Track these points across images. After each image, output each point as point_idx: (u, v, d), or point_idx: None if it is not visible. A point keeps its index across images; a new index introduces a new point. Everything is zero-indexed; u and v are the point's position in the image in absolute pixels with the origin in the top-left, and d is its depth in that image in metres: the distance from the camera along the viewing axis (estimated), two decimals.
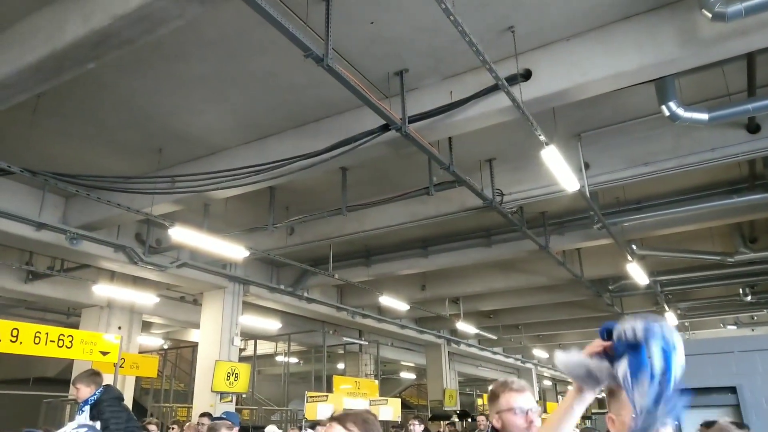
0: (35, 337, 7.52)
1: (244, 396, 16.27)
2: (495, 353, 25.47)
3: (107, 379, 8.87)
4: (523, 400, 2.20)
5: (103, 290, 11.94)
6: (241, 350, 15.33)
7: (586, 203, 8.17)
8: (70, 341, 7.99)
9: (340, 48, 5.87)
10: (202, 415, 7.96)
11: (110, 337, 8.85)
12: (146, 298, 12.45)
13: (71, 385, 4.62)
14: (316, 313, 15.44)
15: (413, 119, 6.28)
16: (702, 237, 11.95)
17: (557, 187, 7.83)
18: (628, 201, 9.96)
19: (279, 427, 10.37)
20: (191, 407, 11.71)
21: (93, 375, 4.70)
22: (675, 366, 1.38)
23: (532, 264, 13.50)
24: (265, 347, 20.80)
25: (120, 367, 9.04)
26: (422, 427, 8.83)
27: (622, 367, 1.42)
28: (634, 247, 11.18)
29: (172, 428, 9.73)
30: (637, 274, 11.37)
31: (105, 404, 4.52)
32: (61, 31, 4.94)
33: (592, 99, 6.34)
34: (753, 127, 7.39)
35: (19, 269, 11.28)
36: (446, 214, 9.43)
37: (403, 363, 24.76)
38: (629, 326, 1.43)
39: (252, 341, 18.69)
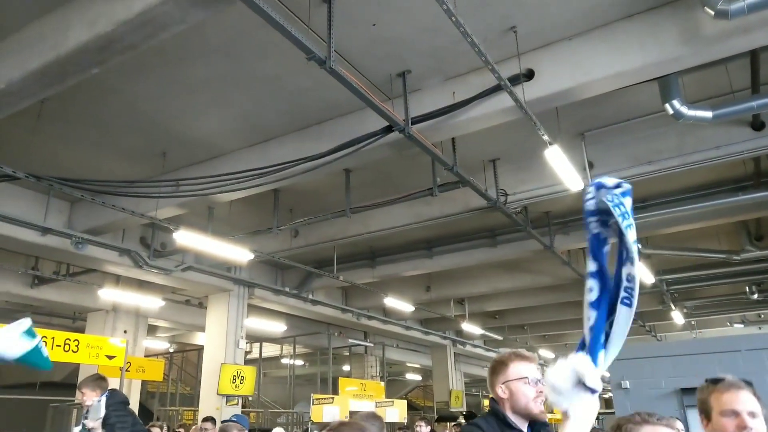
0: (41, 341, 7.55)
1: (250, 399, 16.28)
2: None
3: (113, 383, 8.91)
4: (534, 369, 2.10)
5: (108, 294, 11.98)
6: (246, 353, 15.34)
7: None
8: (77, 345, 8.04)
9: (342, 50, 5.88)
10: (205, 419, 7.97)
11: (116, 341, 8.89)
12: (151, 302, 12.49)
13: (77, 389, 4.63)
14: (321, 315, 15.45)
15: (416, 120, 6.28)
16: (707, 235, 11.91)
17: (561, 187, 7.82)
18: (632, 200, 9.92)
19: (285, 430, 10.37)
20: (197, 410, 11.73)
21: (98, 380, 4.71)
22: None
23: (537, 264, 13.48)
24: (270, 350, 20.81)
25: (126, 370, 9.09)
26: (429, 428, 8.83)
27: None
28: (639, 245, 11.11)
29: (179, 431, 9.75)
30: (643, 273, 11.34)
31: (110, 409, 4.52)
32: (65, 37, 4.97)
33: (595, 98, 6.32)
34: (757, 125, 7.36)
35: (25, 274, 11.33)
36: (450, 214, 9.42)
37: (408, 364, 24.74)
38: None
39: (257, 344, 18.71)
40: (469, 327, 17.16)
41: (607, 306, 1.47)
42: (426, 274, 14.40)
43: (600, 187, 1.47)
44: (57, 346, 7.75)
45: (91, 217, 9.38)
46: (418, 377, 28.04)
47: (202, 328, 13.25)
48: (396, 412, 13.05)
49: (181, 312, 15.18)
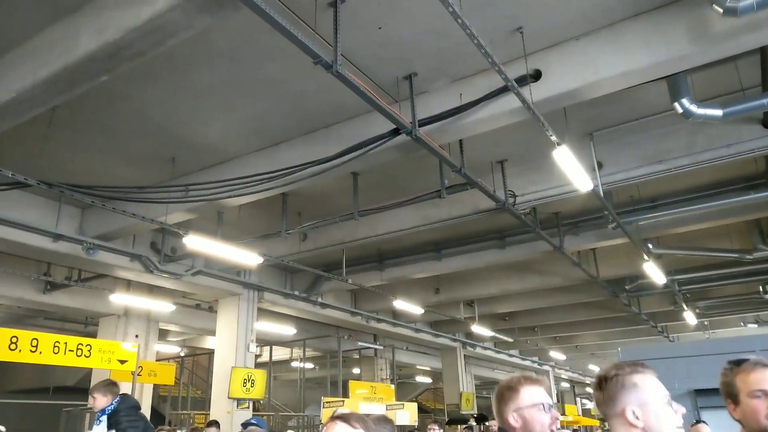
0: (54, 346, 7.61)
1: (261, 402, 16.31)
2: (511, 356, 25.32)
3: (125, 387, 8.96)
4: (546, 394, 1.97)
5: (120, 299, 12.06)
6: (256, 356, 15.37)
7: (600, 203, 8.10)
8: (89, 350, 8.07)
9: (348, 54, 5.89)
10: (210, 424, 8.01)
11: (128, 345, 8.92)
12: (162, 306, 12.56)
13: (89, 394, 4.66)
14: (330, 318, 15.46)
15: (423, 123, 6.28)
16: (719, 234, 11.80)
17: (570, 188, 7.78)
18: (642, 199, 9.87)
19: None
20: (209, 414, 11.76)
21: (110, 385, 4.74)
22: None
23: (546, 265, 13.42)
24: (280, 353, 20.84)
25: (138, 375, 9.12)
26: (441, 431, 8.81)
27: None
28: (650, 245, 11.07)
29: None
30: (654, 273, 11.25)
31: (122, 414, 4.55)
32: (75, 46, 5.01)
33: (603, 98, 6.29)
34: None
35: (38, 280, 11.43)
36: (459, 216, 9.41)
37: (418, 367, 24.70)
38: None
39: (267, 347, 18.75)
40: (479, 329, 17.10)
41: None
42: (435, 277, 14.38)
43: None
44: (69, 351, 7.79)
45: (101, 223, 9.45)
46: (428, 380, 27.98)
47: (213, 332, 13.29)
48: (406, 414, 13.02)
49: (192, 316, 15.25)
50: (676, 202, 9.48)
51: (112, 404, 4.63)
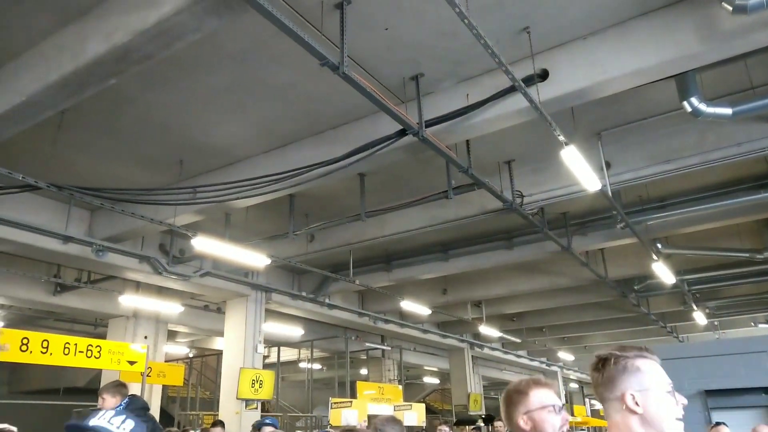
0: (65, 348, 7.67)
1: (270, 403, 16.35)
2: (519, 356, 25.24)
3: (135, 388, 9.00)
4: (555, 396, 1.96)
5: (129, 301, 12.13)
6: (264, 357, 15.41)
7: (609, 203, 8.07)
8: (99, 351, 8.13)
9: (355, 55, 5.90)
10: (215, 423, 8.04)
11: (137, 346, 8.98)
12: (171, 308, 12.61)
13: (98, 395, 4.69)
14: (338, 320, 15.47)
15: (430, 123, 6.27)
16: (729, 234, 11.71)
17: (578, 187, 7.75)
18: (651, 199, 9.81)
19: None
20: (217, 414, 11.80)
21: (119, 386, 4.76)
22: None
23: (554, 265, 13.37)
24: (288, 354, 20.88)
25: (147, 376, 9.17)
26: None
27: None
28: (659, 245, 11.00)
29: None
30: (663, 273, 11.18)
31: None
32: (83, 49, 5.05)
33: (611, 97, 6.26)
34: None
35: (48, 282, 11.51)
36: (466, 217, 9.39)
37: (426, 368, 24.67)
38: None
39: (275, 348, 18.79)
40: (487, 330, 17.06)
41: None
42: (442, 277, 14.36)
43: None
44: (80, 352, 7.85)
45: (110, 225, 9.51)
46: (436, 380, 27.94)
47: (221, 333, 13.34)
48: (414, 415, 13.02)
49: (200, 317, 15.31)
50: (686, 201, 9.42)
51: (120, 405, 4.65)
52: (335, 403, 11.73)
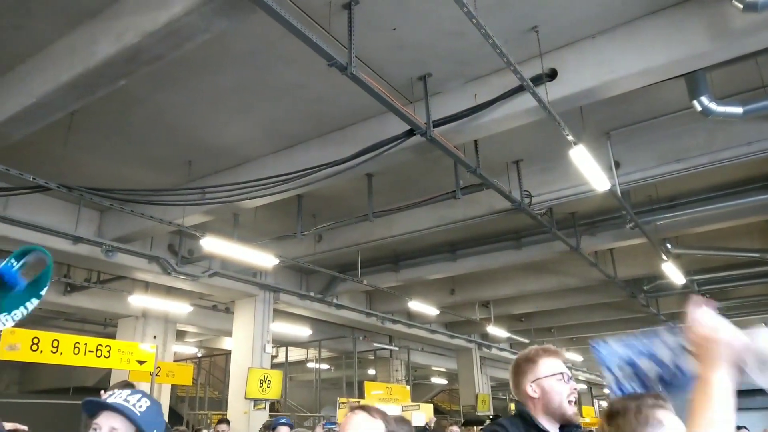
0: (74, 347, 7.73)
1: (279, 402, 16.39)
2: None
3: (144, 387, 9.05)
4: (564, 366, 1.93)
5: (138, 301, 12.19)
6: (273, 357, 15.44)
7: (618, 202, 8.03)
8: (108, 351, 8.19)
9: (363, 55, 5.89)
10: (220, 421, 8.13)
11: (146, 346, 9.03)
12: (180, 308, 12.67)
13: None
14: (345, 320, 15.48)
15: (438, 123, 6.27)
16: (740, 234, 11.62)
17: (587, 187, 7.72)
18: (660, 199, 9.75)
19: None
20: (226, 414, 11.84)
21: (126, 386, 4.79)
22: None
23: (563, 266, 13.31)
24: (296, 354, 20.90)
25: (156, 375, 9.21)
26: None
27: None
28: (668, 245, 10.93)
29: None
30: (673, 273, 11.11)
31: None
32: (94, 50, 5.08)
33: (620, 96, 6.23)
34: None
35: (58, 282, 11.58)
36: (474, 217, 9.37)
37: (434, 368, 24.63)
38: None
39: (283, 348, 18.83)
40: (495, 330, 17.02)
41: None
42: (450, 277, 14.34)
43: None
44: (89, 351, 7.91)
45: (120, 226, 9.57)
46: (443, 381, 27.90)
47: (230, 333, 13.39)
48: (422, 416, 12.99)
49: (209, 317, 15.37)
50: (695, 201, 9.35)
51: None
52: (343, 403, 11.74)
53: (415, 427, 12.77)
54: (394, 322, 16.36)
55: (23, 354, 7.19)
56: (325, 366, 23.17)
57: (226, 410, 12.63)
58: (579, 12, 5.64)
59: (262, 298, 12.46)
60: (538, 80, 5.84)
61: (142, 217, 8.28)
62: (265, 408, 11.88)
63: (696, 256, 12.18)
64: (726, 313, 17.59)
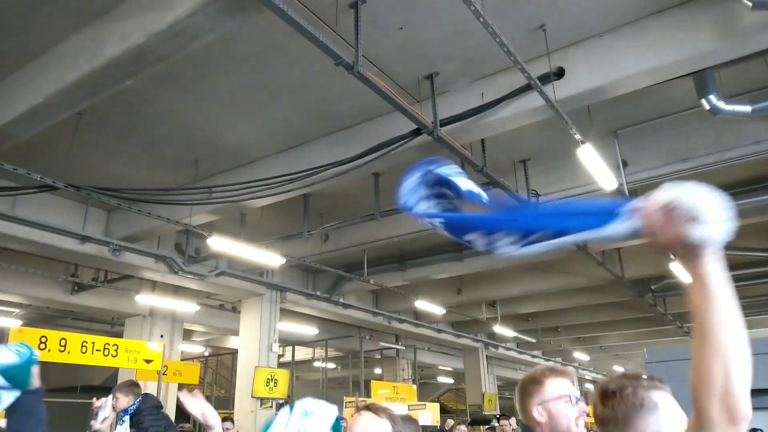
0: (82, 346, 7.77)
1: (283, 402, 16.40)
2: (534, 356, 25.09)
3: (151, 386, 9.09)
4: (572, 386, 1.84)
5: (145, 300, 12.24)
6: (279, 356, 15.47)
7: None
8: (115, 350, 8.23)
9: (370, 54, 5.89)
10: (225, 419, 8.17)
11: (153, 345, 9.07)
12: (187, 307, 12.71)
13: (111, 394, 4.74)
14: (352, 319, 15.49)
15: (445, 122, 6.25)
16: (748, 233, 11.54)
17: (595, 187, 7.68)
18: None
19: None
20: (232, 413, 11.88)
21: (132, 386, 4.82)
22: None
23: (570, 265, 13.26)
24: (302, 353, 20.94)
25: (163, 374, 9.25)
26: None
27: None
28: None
29: None
30: (681, 272, 11.04)
31: (144, 413, 4.61)
32: (100, 51, 5.10)
33: (628, 95, 6.19)
34: None
35: (65, 281, 11.65)
36: None
37: (440, 367, 24.62)
38: None
39: (290, 347, 18.86)
40: (502, 330, 16.99)
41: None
42: (457, 277, 14.31)
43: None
44: (97, 350, 7.95)
45: (127, 225, 9.60)
46: (450, 380, 27.87)
47: (236, 332, 13.42)
48: (429, 415, 12.99)
49: (216, 316, 15.41)
50: None
51: (134, 404, 4.69)
52: (349, 402, 11.75)
53: (434, 428, 12.79)
54: (401, 321, 16.35)
55: None
56: (331, 365, 23.20)
57: (232, 409, 12.67)
58: (586, 11, 5.62)
59: (268, 298, 12.48)
60: (545, 79, 5.81)
61: (149, 216, 8.30)
62: (272, 407, 11.89)
63: None
64: None
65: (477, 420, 17.43)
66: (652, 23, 5.63)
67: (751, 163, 7.77)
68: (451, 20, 5.59)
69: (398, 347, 19.28)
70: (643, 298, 14.21)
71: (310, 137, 7.85)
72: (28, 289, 11.57)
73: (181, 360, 14.39)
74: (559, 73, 6.00)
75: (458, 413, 25.31)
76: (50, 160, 7.94)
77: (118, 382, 9.94)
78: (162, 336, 13.12)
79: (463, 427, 8.84)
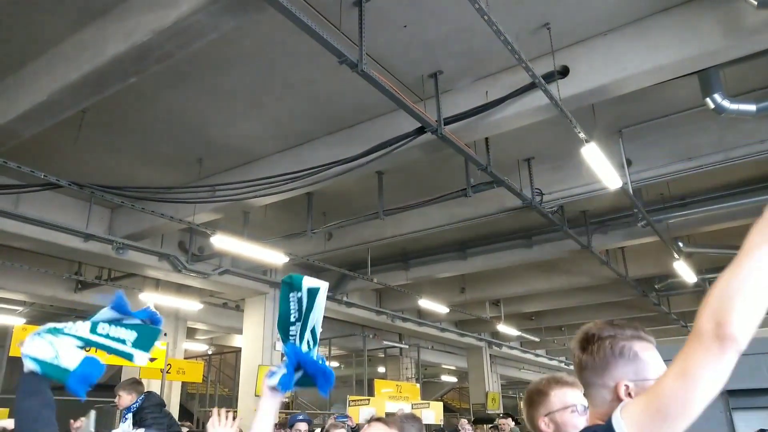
0: None
1: (285, 400, 16.42)
2: (538, 355, 25.07)
3: (155, 384, 9.10)
4: (579, 395, 1.77)
5: (149, 298, 12.24)
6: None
7: (629, 201, 7.96)
8: None
9: (373, 53, 5.88)
10: None
11: (157, 343, 9.07)
12: (190, 305, 12.73)
13: (115, 392, 4.76)
14: (355, 318, 15.49)
15: (449, 121, 6.24)
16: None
17: (599, 185, 7.65)
18: (672, 197, 9.66)
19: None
20: (236, 411, 11.90)
21: (134, 383, 4.82)
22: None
23: (574, 264, 13.23)
24: None
25: (167, 372, 9.27)
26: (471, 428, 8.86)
27: None
28: (680, 244, 10.83)
29: None
30: (685, 272, 11.02)
31: (146, 411, 4.62)
32: (103, 48, 5.11)
33: (632, 94, 6.17)
34: None
35: (69, 279, 11.67)
36: (485, 215, 9.33)
37: (444, 366, 24.60)
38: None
39: None
40: (505, 329, 16.96)
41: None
42: (460, 276, 14.30)
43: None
44: None
45: (131, 223, 9.62)
46: (453, 379, 27.86)
47: (240, 331, 13.43)
48: (432, 414, 12.99)
49: (219, 315, 15.43)
50: (708, 199, 9.26)
51: (137, 402, 4.70)
52: (353, 400, 11.75)
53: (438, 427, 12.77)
54: (404, 320, 16.35)
55: None
56: (335, 364, 23.21)
57: (236, 407, 12.68)
58: (591, 9, 5.60)
59: (272, 296, 12.49)
60: (549, 77, 5.80)
61: (153, 214, 8.31)
62: None
63: (708, 255, 12.06)
64: None
65: (480, 419, 17.44)
66: (656, 22, 5.61)
67: (756, 161, 7.75)
68: (455, 18, 5.58)
69: (402, 346, 19.27)
70: (647, 297, 14.16)
71: (313, 135, 7.84)
72: (32, 287, 11.60)
73: (185, 358, 14.41)
74: (564, 72, 5.99)
75: (462, 412, 25.30)
76: (54, 158, 7.95)
77: (122, 380, 9.97)
78: (165, 334, 13.14)
79: (464, 421, 8.83)
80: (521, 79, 5.82)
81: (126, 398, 4.69)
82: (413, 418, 3.38)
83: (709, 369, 1.03)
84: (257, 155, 8.36)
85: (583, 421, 1.73)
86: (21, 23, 5.52)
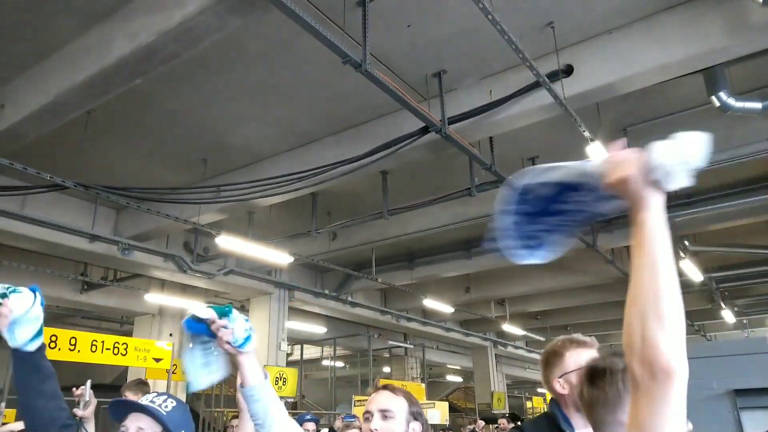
0: (92, 345, 7.82)
1: (295, 400, 16.44)
2: None
3: (161, 384, 9.13)
4: (595, 355, 1.73)
5: (154, 299, 12.30)
6: (288, 355, 15.50)
7: None
8: (125, 349, 8.27)
9: (377, 53, 5.88)
10: (234, 417, 8.25)
11: (163, 344, 9.11)
12: (196, 306, 12.75)
13: (120, 393, 4.77)
14: (360, 317, 15.50)
15: (453, 120, 6.24)
16: (759, 231, 11.44)
17: None
18: (678, 195, 9.61)
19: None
20: None
21: (140, 384, 4.84)
22: None
23: (580, 263, 13.18)
24: (311, 351, 20.97)
25: (173, 372, 9.28)
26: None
27: None
28: (686, 242, 10.79)
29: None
30: (691, 270, 10.97)
31: None
32: (109, 50, 5.13)
33: (637, 92, 6.16)
34: None
35: (75, 280, 11.71)
36: (490, 214, 9.26)
37: (449, 366, 24.58)
38: None
39: (298, 346, 18.89)
40: (510, 328, 16.94)
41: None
42: (465, 275, 14.28)
43: None
44: (107, 349, 8.00)
45: (136, 224, 9.65)
46: (458, 379, 27.84)
47: None
48: (437, 413, 12.98)
49: None
50: (714, 198, 9.22)
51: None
52: (358, 400, 11.75)
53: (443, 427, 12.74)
54: (409, 320, 16.34)
55: None
56: (340, 364, 23.22)
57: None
58: (595, 7, 5.58)
59: (277, 296, 12.51)
60: (554, 76, 5.79)
61: (158, 215, 8.34)
62: None
63: (714, 254, 12.01)
64: (745, 310, 17.38)
65: (486, 419, 17.41)
66: (661, 20, 5.59)
67: (762, 160, 7.71)
68: (459, 18, 5.58)
69: (407, 346, 19.27)
70: None
71: (318, 136, 7.85)
72: (38, 288, 11.63)
73: None
74: (568, 71, 5.98)
75: (467, 412, 25.28)
76: (60, 160, 7.98)
77: (128, 380, 9.99)
78: (171, 335, 13.18)
79: (482, 423, 8.88)
80: (525, 78, 5.81)
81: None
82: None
83: (662, 412, 0.95)
84: (262, 155, 8.38)
85: None
86: (26, 26, 5.54)
